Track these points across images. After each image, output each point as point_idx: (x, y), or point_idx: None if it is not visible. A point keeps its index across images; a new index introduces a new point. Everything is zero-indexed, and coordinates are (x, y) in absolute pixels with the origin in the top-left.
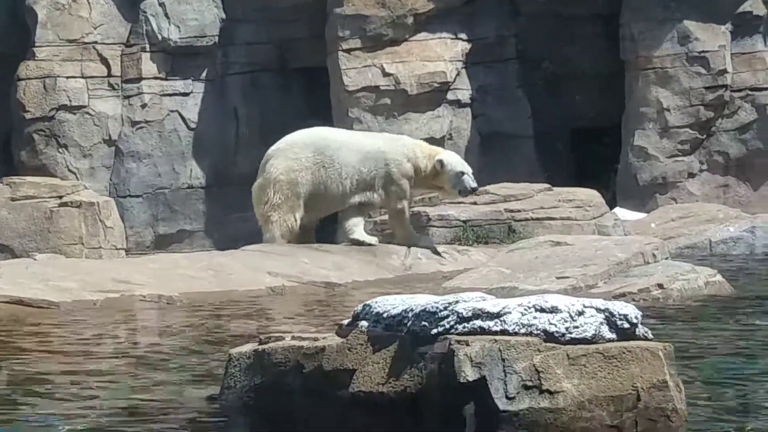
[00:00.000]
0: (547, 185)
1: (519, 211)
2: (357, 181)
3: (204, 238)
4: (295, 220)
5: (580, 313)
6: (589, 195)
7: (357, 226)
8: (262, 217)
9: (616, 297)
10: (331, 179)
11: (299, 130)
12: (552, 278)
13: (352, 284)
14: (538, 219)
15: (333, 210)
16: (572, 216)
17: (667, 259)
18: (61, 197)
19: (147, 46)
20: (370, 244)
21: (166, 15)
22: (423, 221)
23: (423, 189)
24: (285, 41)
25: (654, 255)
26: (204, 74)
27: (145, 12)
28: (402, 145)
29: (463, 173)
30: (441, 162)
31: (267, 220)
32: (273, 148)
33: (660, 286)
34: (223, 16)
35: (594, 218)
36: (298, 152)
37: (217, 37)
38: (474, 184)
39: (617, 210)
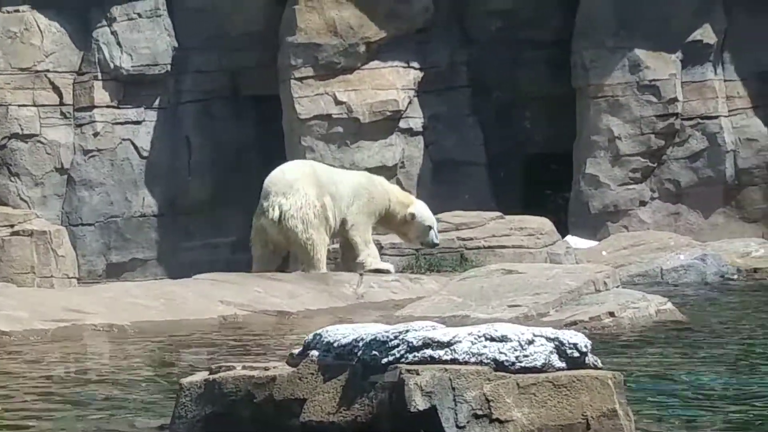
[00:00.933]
0: (498, 213)
1: (471, 239)
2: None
3: (156, 267)
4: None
5: (530, 342)
6: (541, 223)
7: (372, 257)
8: (303, 247)
9: (568, 325)
10: (333, 209)
11: (290, 164)
12: (504, 306)
13: (304, 313)
14: (490, 247)
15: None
16: (524, 244)
17: (618, 287)
18: (12, 226)
19: (99, 74)
20: (387, 271)
21: (119, 43)
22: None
23: (388, 230)
24: (237, 69)
25: (605, 283)
26: (156, 102)
27: (97, 40)
28: (381, 189)
29: (430, 228)
30: (413, 215)
31: (312, 249)
32: (276, 183)
33: (611, 314)
34: (176, 44)
35: (546, 246)
36: (307, 187)
37: (169, 66)
38: (437, 241)
39: (569, 238)
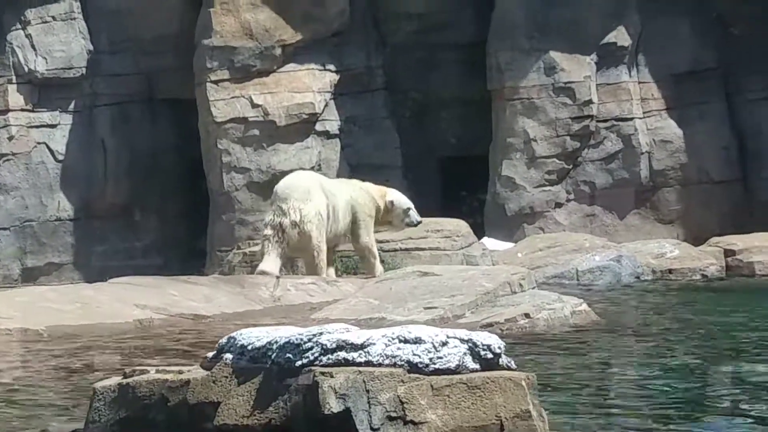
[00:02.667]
0: None
1: (387, 241)
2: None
3: (72, 271)
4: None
5: (444, 344)
6: (457, 225)
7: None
8: (312, 251)
9: (484, 327)
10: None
11: (301, 173)
12: (420, 308)
13: (220, 316)
14: (406, 249)
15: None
16: (440, 246)
17: (533, 288)
18: None
19: (13, 77)
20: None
21: (33, 46)
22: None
23: (376, 225)
24: (153, 72)
25: (521, 285)
26: (71, 106)
27: (11, 43)
28: (364, 191)
29: (409, 209)
30: (392, 202)
31: (318, 253)
32: (295, 189)
33: (526, 315)
34: (91, 47)
35: (462, 248)
36: (319, 195)
37: (84, 69)
38: (419, 218)
39: (485, 240)
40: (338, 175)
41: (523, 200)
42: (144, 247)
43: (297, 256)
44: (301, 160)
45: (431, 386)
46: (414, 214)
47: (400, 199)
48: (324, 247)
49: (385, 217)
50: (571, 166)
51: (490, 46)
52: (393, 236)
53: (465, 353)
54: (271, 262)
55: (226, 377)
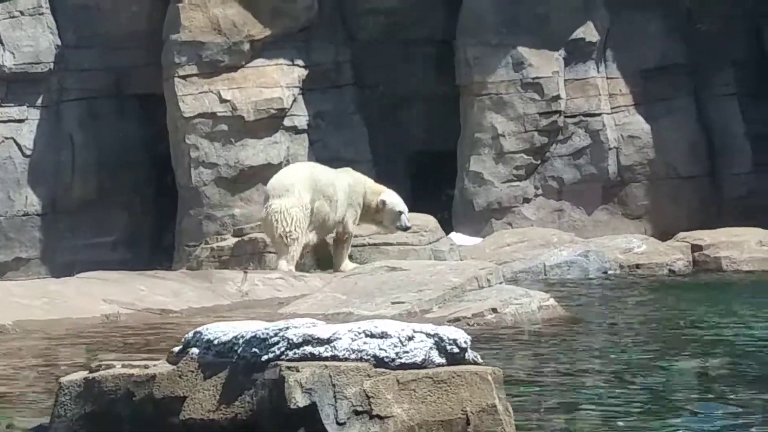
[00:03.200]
0: None
1: (355, 236)
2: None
3: (39, 266)
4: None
5: (410, 338)
6: (425, 220)
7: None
8: (279, 240)
9: (451, 321)
10: (329, 211)
11: (292, 166)
12: (387, 303)
13: (188, 311)
14: (374, 244)
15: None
16: (408, 241)
17: (501, 283)
18: None
19: None
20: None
21: (1, 41)
22: (260, 247)
23: (365, 222)
24: (121, 68)
25: (488, 280)
26: (39, 101)
27: None
28: (360, 181)
29: (401, 212)
30: (383, 202)
31: (289, 243)
32: (276, 186)
33: (494, 310)
34: (59, 42)
35: (430, 243)
36: (302, 190)
37: (52, 64)
38: (409, 224)
39: (453, 235)
40: None
41: (491, 195)
42: (112, 242)
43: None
44: (270, 155)
45: (397, 381)
46: (405, 219)
47: (393, 200)
48: (300, 239)
49: (375, 215)
50: (539, 162)
51: (459, 42)
52: (361, 231)
53: (431, 348)
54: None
55: (192, 372)
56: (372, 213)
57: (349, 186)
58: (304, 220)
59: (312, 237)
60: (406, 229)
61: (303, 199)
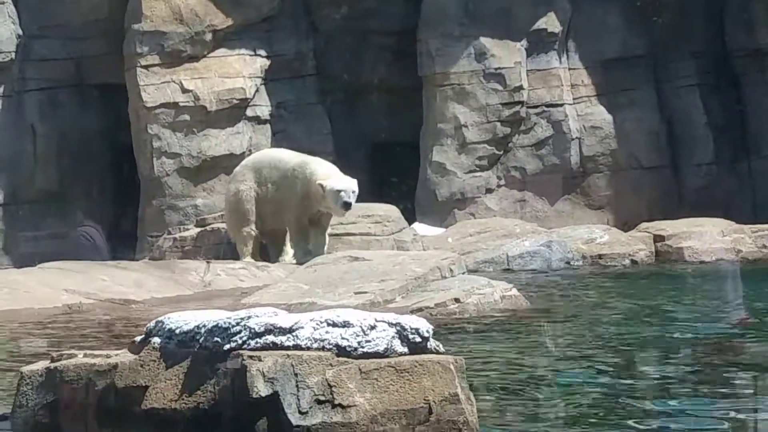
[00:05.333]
0: None
1: None
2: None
3: (1, 256)
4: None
5: (372, 328)
6: (388, 210)
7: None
8: (232, 232)
9: (414, 311)
10: (277, 197)
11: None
12: (350, 293)
13: (150, 301)
14: (337, 234)
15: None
16: (371, 231)
17: (464, 273)
18: None
19: None
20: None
21: None
22: (225, 238)
23: (320, 207)
24: (83, 57)
25: (451, 270)
26: (0, 91)
27: None
28: (306, 168)
29: (339, 191)
30: (321, 185)
31: (232, 235)
32: (236, 170)
33: (456, 300)
34: (20, 32)
35: (393, 233)
36: (247, 174)
37: (13, 53)
38: (348, 199)
39: (416, 225)
40: None
41: (453, 186)
42: (73, 232)
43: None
44: (232, 145)
45: (359, 370)
46: (344, 196)
47: (331, 182)
48: (240, 230)
49: (323, 203)
50: (501, 152)
51: (421, 33)
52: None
53: (393, 337)
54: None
55: (154, 361)
56: (320, 202)
57: (291, 174)
58: (241, 207)
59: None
60: (345, 205)
61: (247, 182)
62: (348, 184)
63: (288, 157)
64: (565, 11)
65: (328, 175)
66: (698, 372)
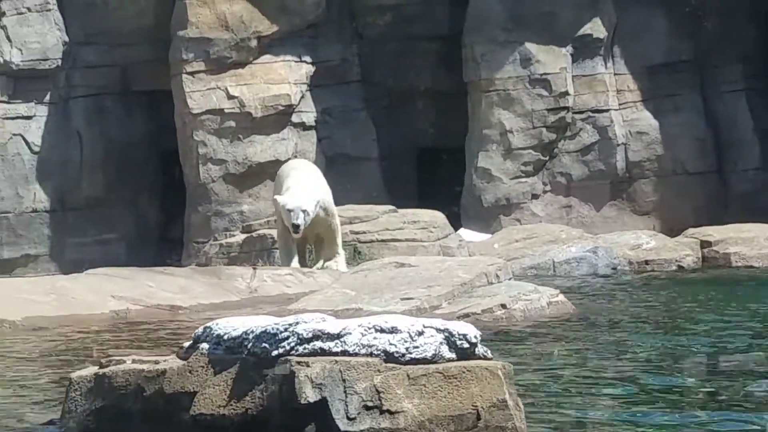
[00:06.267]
0: (392, 207)
1: (364, 232)
2: None
3: (48, 262)
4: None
5: (420, 333)
6: (434, 216)
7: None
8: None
9: (460, 317)
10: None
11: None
12: (396, 299)
13: (196, 307)
14: (383, 240)
15: None
16: (417, 237)
17: (510, 279)
18: None
19: None
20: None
21: (8, 38)
22: (268, 243)
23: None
24: (128, 64)
25: (497, 275)
26: (47, 97)
27: None
28: (278, 176)
29: (290, 210)
30: (275, 200)
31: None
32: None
33: (503, 306)
34: (66, 38)
35: (438, 239)
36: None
37: (60, 60)
38: (296, 221)
39: (461, 231)
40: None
41: (499, 192)
42: (119, 239)
43: None
44: (278, 151)
45: (407, 376)
46: (292, 216)
47: (284, 198)
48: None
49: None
50: (547, 158)
51: (466, 38)
52: (369, 227)
53: (441, 343)
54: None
55: (202, 367)
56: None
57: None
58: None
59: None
60: (295, 227)
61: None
62: (298, 203)
63: (291, 164)
64: (611, 16)
65: (288, 188)
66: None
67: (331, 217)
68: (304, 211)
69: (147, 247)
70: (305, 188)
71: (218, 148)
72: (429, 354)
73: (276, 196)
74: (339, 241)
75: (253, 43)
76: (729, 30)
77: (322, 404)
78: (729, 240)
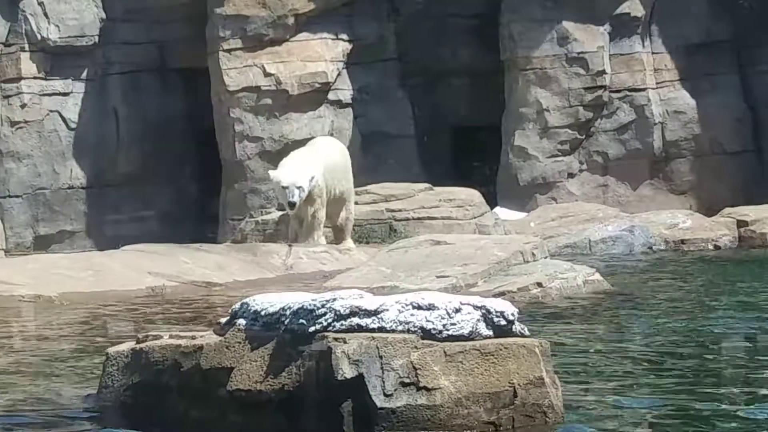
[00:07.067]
0: (427, 185)
1: (400, 210)
2: None
3: (85, 239)
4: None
5: (457, 311)
6: (470, 194)
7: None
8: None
9: (496, 296)
10: None
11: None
12: (432, 277)
13: (232, 284)
14: (419, 218)
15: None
16: (453, 215)
17: (546, 258)
18: None
19: (26, 45)
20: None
21: (46, 14)
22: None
23: None
24: (165, 41)
25: (533, 254)
26: (84, 74)
27: (24, 11)
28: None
29: (284, 188)
30: (269, 174)
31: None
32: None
33: (539, 284)
34: (103, 15)
35: (474, 218)
36: None
37: (97, 37)
38: (291, 199)
39: (497, 209)
40: (350, 145)
41: (535, 170)
42: (156, 215)
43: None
44: (314, 129)
45: (444, 352)
46: (288, 194)
47: (277, 173)
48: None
49: None
50: (583, 137)
51: (503, 16)
52: (405, 205)
53: (478, 320)
54: None
55: (240, 343)
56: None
57: None
58: None
59: None
60: (291, 205)
61: None
62: (293, 179)
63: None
64: None
65: (283, 163)
66: None
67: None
68: (299, 188)
69: (183, 224)
70: (299, 164)
71: (254, 125)
72: (466, 331)
73: (270, 171)
74: (316, 223)
75: (290, 20)
76: (767, 10)
77: (359, 380)
78: (765, 219)
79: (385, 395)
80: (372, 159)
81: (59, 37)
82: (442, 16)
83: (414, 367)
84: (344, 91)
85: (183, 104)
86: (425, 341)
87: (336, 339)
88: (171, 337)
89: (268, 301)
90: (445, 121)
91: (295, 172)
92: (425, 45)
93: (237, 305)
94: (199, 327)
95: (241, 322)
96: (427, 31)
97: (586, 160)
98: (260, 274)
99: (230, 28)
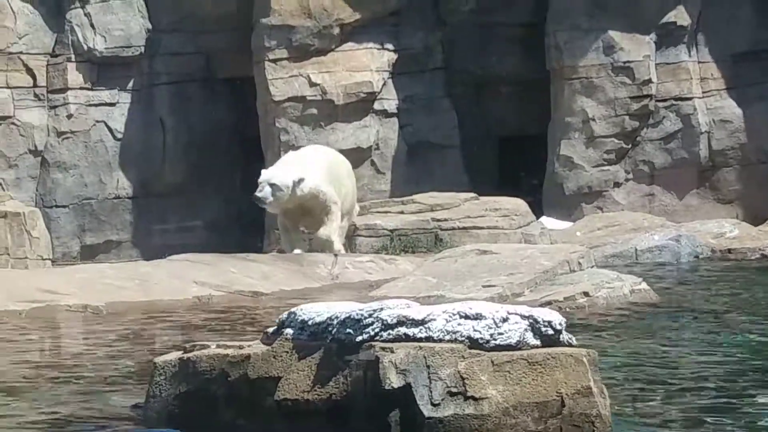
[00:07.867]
0: (473, 194)
1: (445, 220)
2: None
3: (131, 249)
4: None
5: (505, 320)
6: (516, 204)
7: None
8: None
9: (542, 305)
10: None
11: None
12: (478, 287)
13: (279, 293)
14: (464, 228)
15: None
16: (498, 225)
17: (592, 267)
18: None
19: (73, 56)
20: None
21: (92, 25)
22: (350, 230)
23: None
24: (211, 51)
25: (579, 263)
26: (130, 84)
27: (70, 22)
28: None
29: (259, 182)
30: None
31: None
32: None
33: (585, 293)
34: (149, 26)
35: (520, 227)
36: None
37: (143, 47)
38: (259, 194)
39: (543, 219)
40: (396, 155)
41: (581, 180)
42: (202, 225)
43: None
44: (359, 139)
45: (492, 362)
46: (260, 190)
47: (266, 170)
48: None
49: None
50: (630, 146)
51: (549, 26)
52: (451, 215)
53: (526, 329)
54: None
55: (287, 352)
56: None
57: None
58: None
59: None
60: (256, 199)
61: None
62: (267, 175)
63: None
64: (695, 4)
65: (276, 163)
66: None
67: (321, 203)
68: (273, 185)
69: (230, 234)
70: (288, 165)
71: (300, 135)
72: (513, 340)
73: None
74: (330, 230)
75: (336, 30)
76: None
77: (407, 390)
78: None
79: (433, 405)
80: (417, 169)
81: (105, 48)
82: (488, 26)
83: (461, 377)
84: (390, 101)
85: (229, 114)
86: (472, 351)
87: (383, 348)
88: (218, 346)
89: (315, 311)
90: (491, 130)
91: (277, 171)
92: (471, 54)
93: (284, 315)
94: (246, 336)
95: (289, 331)
96: (473, 41)
97: (632, 170)
98: (306, 284)
99: (276, 38)
